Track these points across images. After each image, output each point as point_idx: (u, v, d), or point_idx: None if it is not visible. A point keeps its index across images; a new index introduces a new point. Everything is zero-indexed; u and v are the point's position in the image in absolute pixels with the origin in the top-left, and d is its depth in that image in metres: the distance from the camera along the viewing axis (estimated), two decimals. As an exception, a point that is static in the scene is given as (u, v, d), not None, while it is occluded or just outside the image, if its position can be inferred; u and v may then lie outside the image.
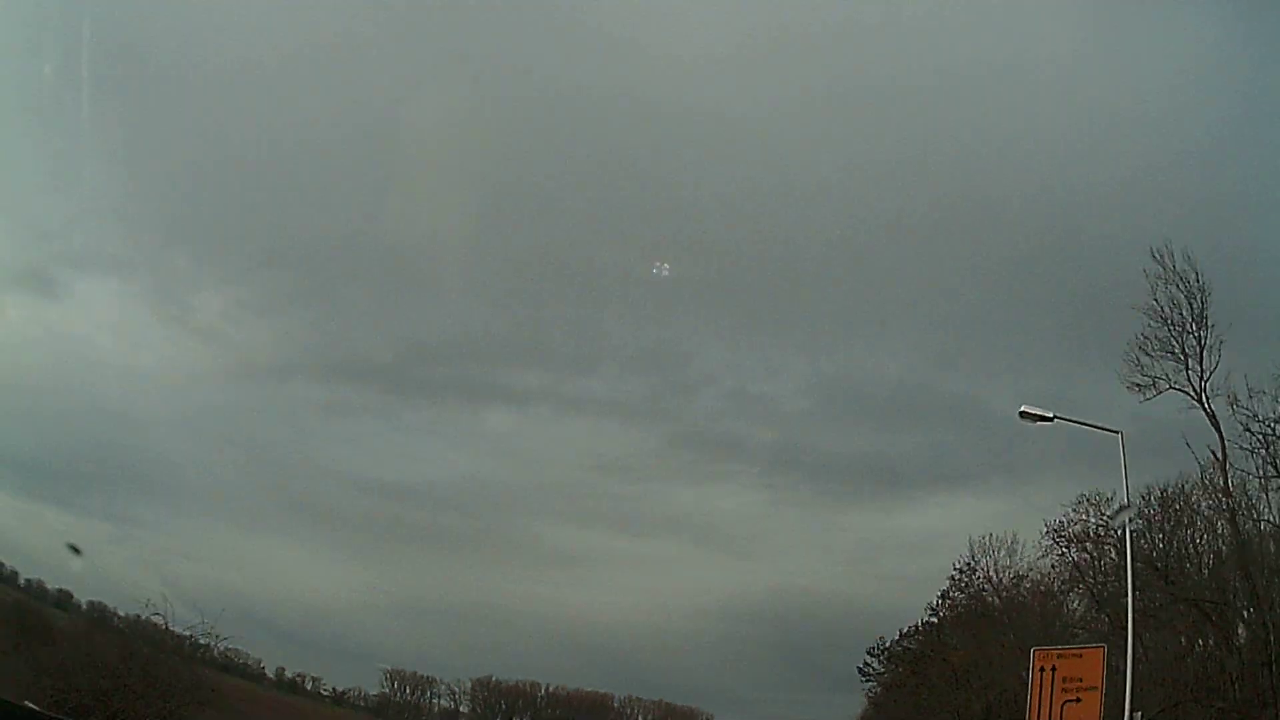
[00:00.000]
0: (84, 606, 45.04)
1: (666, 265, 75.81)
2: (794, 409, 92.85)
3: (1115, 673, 21.59)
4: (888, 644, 58.98)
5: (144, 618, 35.19)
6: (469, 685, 79.26)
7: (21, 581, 43.57)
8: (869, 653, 60.28)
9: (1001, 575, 43.53)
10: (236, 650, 69.83)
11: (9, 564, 42.84)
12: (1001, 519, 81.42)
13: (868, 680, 61.73)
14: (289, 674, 75.68)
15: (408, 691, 74.75)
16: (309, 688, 76.05)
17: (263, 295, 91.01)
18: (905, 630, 56.97)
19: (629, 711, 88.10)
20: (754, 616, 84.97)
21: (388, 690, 74.42)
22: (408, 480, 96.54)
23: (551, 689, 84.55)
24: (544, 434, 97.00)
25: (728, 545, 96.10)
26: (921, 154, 75.40)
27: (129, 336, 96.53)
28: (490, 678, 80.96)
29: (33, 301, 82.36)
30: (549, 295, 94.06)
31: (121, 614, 48.16)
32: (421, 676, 75.58)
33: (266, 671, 71.73)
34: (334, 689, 76.81)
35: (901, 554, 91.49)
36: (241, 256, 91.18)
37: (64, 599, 45.59)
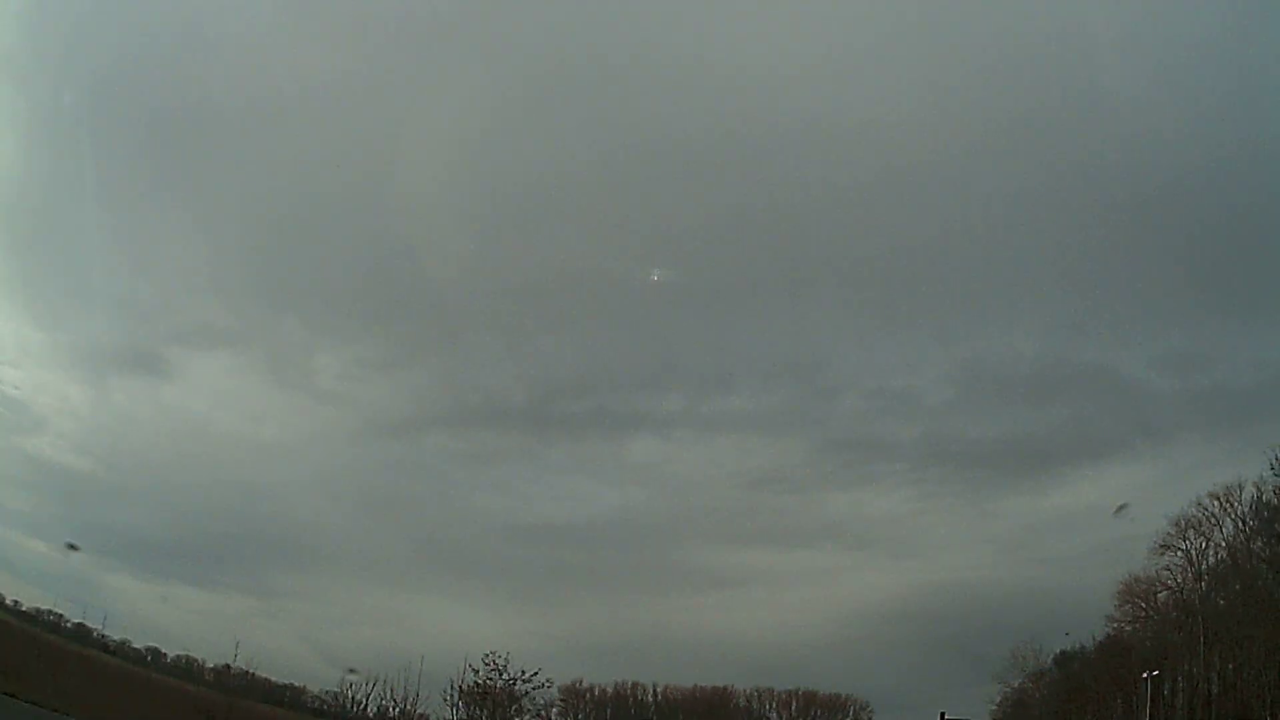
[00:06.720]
0: (171, 659, 50.08)
1: (790, 272, 75.32)
2: (936, 400, 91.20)
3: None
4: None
5: (232, 668, 39.82)
6: (555, 692, 75.49)
7: (111, 643, 48.79)
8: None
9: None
10: (333, 694, 74.60)
11: (96, 629, 48.09)
12: (1151, 487, 77.54)
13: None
14: (393, 711, 79.58)
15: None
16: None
17: (384, 351, 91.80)
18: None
19: (756, 705, 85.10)
20: (915, 615, 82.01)
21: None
22: (557, 520, 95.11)
23: (664, 688, 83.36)
24: (690, 457, 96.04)
25: (885, 546, 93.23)
26: (1026, 119, 75.07)
27: (250, 408, 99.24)
28: (580, 681, 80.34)
29: (144, 384, 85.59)
30: (676, 316, 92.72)
31: (210, 665, 53.28)
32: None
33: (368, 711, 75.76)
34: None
35: (1058, 533, 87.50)
36: (355, 314, 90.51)
37: (156, 655, 50.78)
